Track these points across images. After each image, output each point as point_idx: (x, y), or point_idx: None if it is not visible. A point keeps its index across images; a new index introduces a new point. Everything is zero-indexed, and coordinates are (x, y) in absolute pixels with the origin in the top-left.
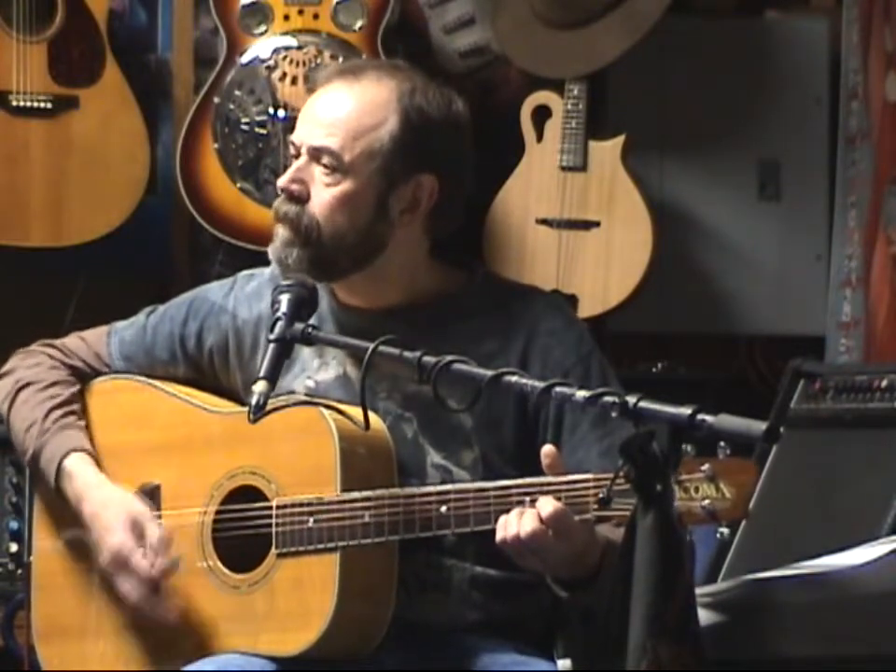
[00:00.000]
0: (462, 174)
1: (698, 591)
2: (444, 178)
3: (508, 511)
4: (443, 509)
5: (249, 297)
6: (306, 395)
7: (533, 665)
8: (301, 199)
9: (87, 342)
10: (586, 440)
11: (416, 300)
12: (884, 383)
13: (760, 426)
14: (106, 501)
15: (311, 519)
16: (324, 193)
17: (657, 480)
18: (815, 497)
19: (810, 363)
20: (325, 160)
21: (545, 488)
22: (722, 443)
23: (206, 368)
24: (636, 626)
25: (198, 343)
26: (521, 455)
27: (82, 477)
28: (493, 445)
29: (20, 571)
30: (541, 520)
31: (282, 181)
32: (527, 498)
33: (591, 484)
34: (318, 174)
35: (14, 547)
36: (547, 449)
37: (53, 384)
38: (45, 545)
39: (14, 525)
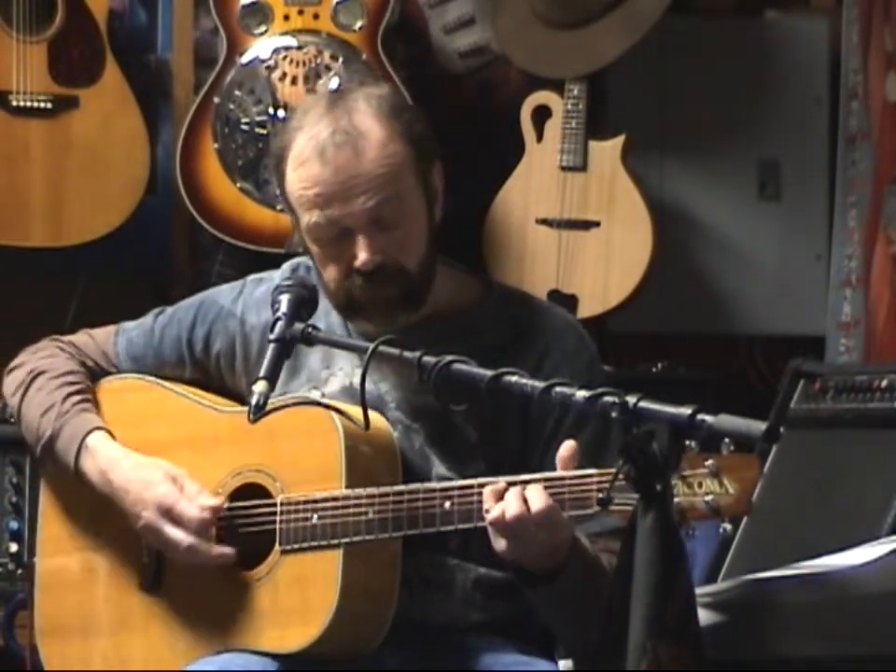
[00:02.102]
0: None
1: (698, 591)
2: (440, 156)
3: None
4: (447, 505)
5: (258, 302)
6: None
7: (535, 665)
8: (381, 267)
9: (95, 339)
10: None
11: (437, 313)
12: (884, 383)
13: (760, 426)
14: (138, 464)
15: (315, 515)
16: (403, 245)
17: (657, 480)
18: (815, 496)
19: (810, 363)
20: (387, 215)
21: (549, 484)
22: (726, 439)
23: (213, 371)
24: (636, 626)
25: (205, 348)
26: (525, 469)
27: (106, 451)
28: (497, 460)
29: (20, 571)
30: (529, 510)
31: (364, 262)
32: None
33: (594, 479)
34: (381, 232)
35: (14, 547)
36: (570, 443)
37: (69, 372)
38: (50, 543)
39: (14, 525)
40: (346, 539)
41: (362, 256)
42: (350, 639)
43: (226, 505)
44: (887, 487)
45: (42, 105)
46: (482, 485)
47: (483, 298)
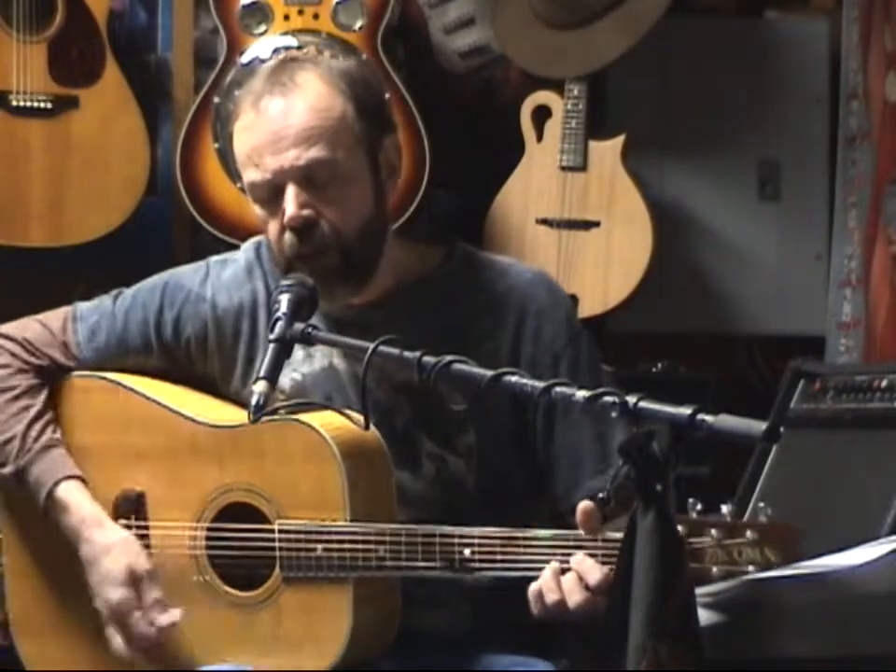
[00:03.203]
0: (393, 117)
1: (698, 591)
2: (396, 131)
3: (539, 561)
4: (467, 552)
5: (228, 285)
6: (292, 388)
7: (532, 665)
8: (312, 225)
9: (51, 330)
10: (580, 421)
11: (400, 284)
12: (884, 383)
13: (760, 426)
14: (108, 547)
15: (319, 547)
16: (338, 205)
17: (657, 480)
18: (815, 496)
19: (810, 363)
20: (319, 174)
21: (580, 543)
22: (762, 504)
23: (182, 357)
24: (635, 626)
25: (175, 332)
26: (517, 440)
27: (78, 512)
28: (489, 430)
29: None
30: (588, 588)
31: (290, 216)
32: (559, 551)
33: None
34: (315, 194)
35: None
36: (584, 505)
37: (25, 392)
38: (13, 542)
39: None
40: (356, 575)
41: (289, 209)
42: (358, 657)
43: (213, 526)
44: (887, 487)
45: (42, 105)
46: (506, 537)
47: (448, 263)
